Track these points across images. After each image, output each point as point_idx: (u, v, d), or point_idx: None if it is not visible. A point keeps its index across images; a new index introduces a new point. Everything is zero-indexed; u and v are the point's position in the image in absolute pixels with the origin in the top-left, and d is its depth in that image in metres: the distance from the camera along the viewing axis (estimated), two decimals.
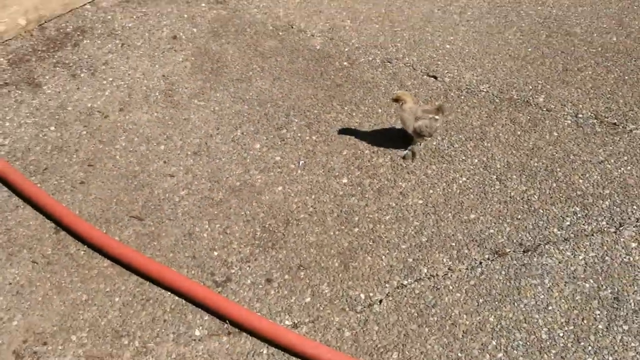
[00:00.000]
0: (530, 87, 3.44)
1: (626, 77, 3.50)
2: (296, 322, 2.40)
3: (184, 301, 2.46)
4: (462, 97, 3.37)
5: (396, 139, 3.07)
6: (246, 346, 2.31)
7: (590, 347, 2.31)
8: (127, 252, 2.55)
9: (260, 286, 2.51)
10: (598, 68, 3.57)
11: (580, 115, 3.26)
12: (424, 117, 2.84)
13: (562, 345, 2.32)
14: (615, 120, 3.24)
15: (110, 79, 3.47)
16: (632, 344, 2.32)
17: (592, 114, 3.27)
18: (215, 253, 2.63)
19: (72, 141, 3.10)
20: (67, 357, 2.27)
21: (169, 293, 2.48)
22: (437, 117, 2.87)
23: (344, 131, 3.15)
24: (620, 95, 3.38)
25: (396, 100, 2.86)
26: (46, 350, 2.27)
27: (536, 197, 2.86)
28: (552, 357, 2.29)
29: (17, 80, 3.45)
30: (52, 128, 3.18)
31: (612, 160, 3.03)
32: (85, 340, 2.33)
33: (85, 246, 2.63)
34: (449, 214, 2.78)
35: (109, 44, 3.71)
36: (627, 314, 2.42)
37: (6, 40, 3.70)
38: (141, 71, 3.52)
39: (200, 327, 2.37)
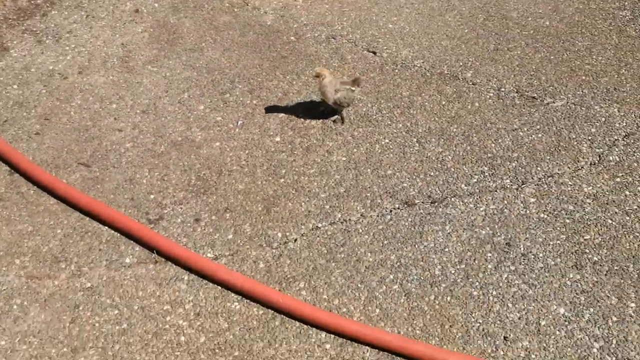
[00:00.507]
0: (461, 64, 3.80)
1: (552, 57, 3.86)
2: (217, 254, 2.74)
3: (118, 235, 2.81)
4: (397, 71, 3.73)
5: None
6: (170, 272, 2.67)
7: (477, 283, 2.66)
8: (71, 191, 2.90)
9: (189, 224, 2.86)
10: (527, 48, 3.93)
11: (502, 89, 3.62)
12: (342, 89, 3.19)
13: (452, 280, 2.67)
14: (535, 95, 3.60)
15: (73, 46, 3.83)
16: (516, 282, 2.67)
17: (514, 89, 3.62)
18: (152, 196, 2.98)
19: (31, 98, 3.45)
20: (9, 277, 2.62)
21: (106, 227, 2.83)
22: (353, 88, 3.22)
23: (283, 97, 3.51)
24: (543, 73, 3.74)
25: (317, 76, 3.20)
26: None
27: (450, 157, 3.21)
28: (442, 290, 2.63)
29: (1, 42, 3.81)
30: (15, 86, 3.53)
31: (525, 129, 3.38)
32: (27, 263, 2.68)
33: (35, 187, 2.98)
34: (368, 170, 3.14)
35: (75, 14, 4.08)
36: (515, 257, 2.77)
37: None
38: (102, 39, 3.88)
39: (131, 256, 2.72)
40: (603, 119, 3.43)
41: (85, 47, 3.80)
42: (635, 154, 3.24)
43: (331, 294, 2.59)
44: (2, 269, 2.62)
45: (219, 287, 2.61)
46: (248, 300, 2.56)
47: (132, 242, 2.76)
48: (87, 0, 4.20)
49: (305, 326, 2.49)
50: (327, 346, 2.43)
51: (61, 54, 3.74)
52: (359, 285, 2.63)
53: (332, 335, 2.46)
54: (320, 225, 2.86)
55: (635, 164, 3.18)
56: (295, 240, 2.80)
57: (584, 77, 3.71)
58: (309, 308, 2.47)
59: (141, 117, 3.35)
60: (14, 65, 3.64)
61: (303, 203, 2.95)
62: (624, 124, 3.40)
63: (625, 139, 3.32)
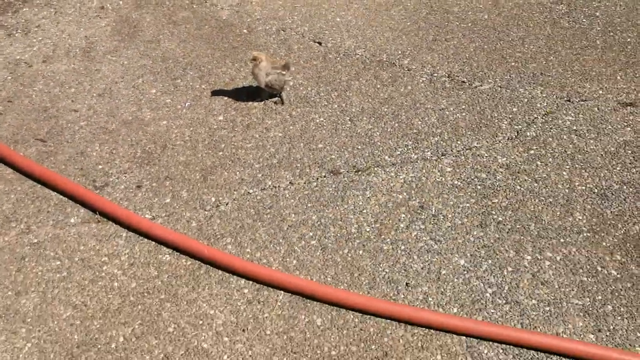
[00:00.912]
0: (400, 53, 4.17)
1: (485, 46, 4.23)
2: (154, 215, 3.10)
3: (66, 199, 3.17)
4: (339, 59, 4.11)
5: None
6: (110, 230, 3.02)
7: (388, 239, 3.00)
8: (28, 163, 3.27)
9: (131, 190, 3.22)
10: (463, 39, 4.30)
11: (435, 75, 3.98)
12: (273, 72, 3.56)
13: (365, 237, 3.01)
14: (465, 79, 3.96)
15: (40, 38, 4.23)
16: (424, 238, 3.00)
17: (446, 74, 3.99)
18: (100, 167, 3.34)
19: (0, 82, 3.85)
20: None
21: (55, 193, 3.19)
22: (283, 72, 3.58)
23: (230, 82, 3.88)
24: (475, 60, 4.10)
25: (254, 59, 3.57)
26: None
27: (378, 133, 3.57)
28: (355, 245, 2.97)
29: None
30: None
31: (452, 108, 3.74)
32: None
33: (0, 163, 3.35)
34: (301, 144, 3.49)
35: (44, 11, 4.49)
36: (426, 217, 3.10)
37: None
38: (67, 33, 4.28)
39: (76, 217, 3.08)
40: (525, 100, 3.77)
41: (51, 39, 4.19)
42: (552, 130, 3.58)
43: (254, 248, 2.93)
44: None
45: (153, 243, 2.95)
46: (178, 253, 2.90)
47: (77, 205, 3.11)
48: None
49: (226, 274, 2.82)
50: (245, 290, 2.77)
51: (28, 45, 4.14)
52: (281, 240, 2.97)
53: (250, 282, 2.79)
54: (251, 191, 3.21)
55: (550, 139, 3.52)
56: (227, 203, 3.14)
57: (513, 64, 4.06)
58: (229, 257, 2.81)
59: (97, 100, 3.72)
60: None
61: (238, 172, 3.31)
62: (545, 104, 3.74)
63: (544, 117, 3.66)
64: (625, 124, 3.60)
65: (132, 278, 2.79)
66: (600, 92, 3.82)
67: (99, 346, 2.54)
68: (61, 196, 3.16)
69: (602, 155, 3.41)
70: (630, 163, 3.36)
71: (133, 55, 4.06)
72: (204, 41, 4.19)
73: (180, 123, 3.57)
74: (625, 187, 3.23)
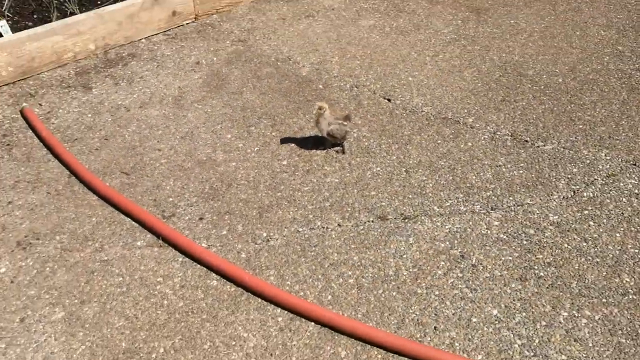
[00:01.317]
0: (465, 111, 4.36)
1: (555, 109, 4.32)
2: (210, 244, 3.44)
3: (137, 225, 3.60)
4: (404, 115, 4.36)
5: None
6: (169, 255, 3.39)
7: (424, 284, 3.14)
8: (111, 192, 3.76)
9: (194, 222, 3.60)
10: (533, 101, 4.42)
11: (498, 133, 4.13)
12: (335, 122, 3.87)
13: (401, 280, 3.17)
14: (528, 139, 4.07)
15: (140, 87, 4.85)
16: (459, 286, 3.12)
17: (509, 133, 4.12)
18: (170, 199, 3.77)
19: (99, 124, 4.45)
20: (49, 248, 3.47)
21: (128, 219, 3.64)
22: (345, 123, 3.88)
23: (298, 132, 4.23)
24: (541, 121, 4.20)
25: (319, 109, 3.90)
26: (38, 243, 3.49)
27: (431, 185, 3.75)
28: (390, 287, 3.14)
29: (76, 85, 4.93)
30: (89, 115, 4.56)
31: (509, 165, 3.85)
32: (64, 240, 3.53)
33: (85, 187, 3.88)
34: (355, 190, 3.75)
35: (148, 65, 5.14)
36: (465, 266, 3.22)
37: (78, 59, 5.24)
38: (164, 84, 4.87)
39: (142, 240, 3.49)
40: (588, 161, 3.81)
41: (149, 88, 4.79)
42: (611, 192, 3.58)
43: (294, 281, 3.18)
44: (45, 242, 3.48)
45: (205, 269, 3.28)
46: (224, 280, 3.20)
47: (145, 230, 3.52)
48: (161, 54, 5.26)
49: (264, 302, 3.08)
50: (279, 319, 3.00)
51: (130, 93, 4.75)
52: (320, 276, 3.20)
53: (285, 312, 3.02)
54: (300, 229, 3.48)
55: (608, 201, 3.53)
56: (277, 239, 3.43)
57: (580, 126, 4.12)
58: (270, 287, 3.07)
59: (179, 141, 4.20)
60: (92, 100, 4.69)
61: (291, 212, 3.60)
62: (608, 167, 3.76)
63: (605, 179, 3.68)
64: None
65: (180, 298, 3.11)
66: None
67: (141, 355, 2.85)
68: (133, 222, 3.57)
69: None
70: None
71: (217, 105, 4.54)
72: (282, 94, 4.60)
73: (247, 165, 3.94)
74: None
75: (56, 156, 4.09)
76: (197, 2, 5.74)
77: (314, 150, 4.03)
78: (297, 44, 5.27)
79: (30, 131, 4.37)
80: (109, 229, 3.54)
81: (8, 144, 4.24)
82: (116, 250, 3.39)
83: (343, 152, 3.97)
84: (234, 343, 2.88)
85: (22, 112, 4.52)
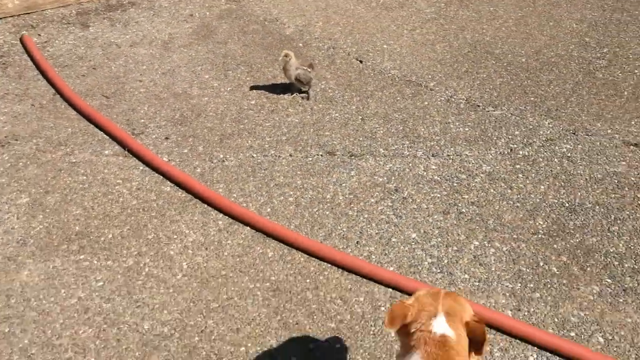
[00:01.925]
0: (429, 77, 4.69)
1: (512, 82, 4.64)
2: (170, 159, 3.79)
3: (107, 137, 3.95)
4: (372, 75, 4.70)
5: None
6: (131, 163, 3.74)
7: (355, 208, 3.46)
8: (88, 109, 4.12)
9: (159, 140, 3.95)
10: (494, 74, 4.74)
11: (454, 97, 4.45)
12: (301, 68, 4.21)
13: (336, 203, 3.49)
14: (480, 104, 4.38)
15: (134, 30, 5.22)
16: (387, 212, 3.44)
17: (465, 98, 4.44)
18: (142, 120, 4.12)
19: (90, 56, 4.82)
20: (25, 148, 3.82)
21: (101, 132, 3.99)
22: (309, 70, 4.22)
23: (271, 79, 4.57)
24: (497, 91, 4.52)
25: (285, 55, 4.24)
26: (16, 143, 3.85)
27: (382, 132, 4.08)
28: (324, 207, 3.46)
29: (75, 22, 5.31)
30: (82, 48, 4.94)
31: (457, 124, 4.17)
32: (40, 143, 3.88)
33: (66, 103, 4.24)
34: (311, 130, 4.08)
35: (145, 13, 5.52)
36: (396, 198, 3.54)
37: (81, 1, 5.62)
38: (157, 29, 5.24)
39: (109, 150, 3.84)
40: (531, 127, 4.12)
41: (142, 32, 5.16)
42: (545, 153, 3.89)
43: (239, 195, 3.51)
44: (23, 143, 3.84)
45: (161, 177, 3.62)
46: (177, 187, 3.54)
47: (115, 143, 3.87)
48: (159, 5, 5.63)
49: (209, 208, 3.41)
50: (220, 222, 3.33)
51: (123, 33, 5.12)
52: (264, 193, 3.53)
53: (226, 217, 3.36)
54: (254, 155, 3.82)
55: (541, 159, 3.84)
56: (232, 161, 3.77)
57: (532, 99, 4.43)
58: (216, 196, 3.40)
59: (160, 76, 4.56)
60: (87, 36, 5.06)
61: (249, 141, 3.94)
62: (548, 132, 4.07)
63: (543, 142, 3.99)
64: (622, 159, 3.83)
65: (135, 197, 3.45)
66: (609, 131, 4.07)
67: (91, 237, 3.20)
68: (105, 135, 3.93)
69: (586, 179, 3.67)
70: (611, 190, 3.59)
71: (201, 50, 4.90)
72: (263, 48, 4.95)
73: (218, 101, 4.29)
74: (597, 207, 3.47)
75: (45, 77, 4.45)
76: None
77: (282, 95, 4.37)
78: (287, 9, 5.62)
79: (26, 55, 4.74)
80: (82, 138, 3.89)
81: (4, 63, 4.61)
82: (85, 155, 3.74)
83: (308, 98, 4.30)
84: (175, 237, 3.21)
85: (21, 39, 4.90)
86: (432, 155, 3.81)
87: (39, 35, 5.00)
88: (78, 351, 2.63)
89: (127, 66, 4.64)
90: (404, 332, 1.92)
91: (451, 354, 1.84)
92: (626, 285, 3.00)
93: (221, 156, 3.77)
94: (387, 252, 3.15)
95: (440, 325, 1.89)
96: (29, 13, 5.35)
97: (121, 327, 2.74)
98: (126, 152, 3.76)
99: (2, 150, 3.74)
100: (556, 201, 3.50)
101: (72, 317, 2.78)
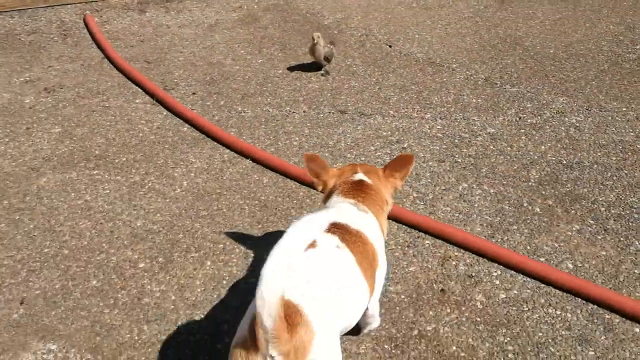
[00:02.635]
0: (453, 60, 4.90)
1: (535, 67, 4.77)
2: (192, 108, 4.15)
3: (140, 90, 4.38)
4: (398, 56, 4.96)
5: None
6: (156, 110, 4.13)
7: (354, 152, 3.68)
8: (128, 68, 4.59)
9: (187, 94, 4.33)
10: (518, 61, 4.89)
11: (474, 76, 4.63)
12: (327, 47, 4.53)
13: (337, 149, 3.73)
14: (498, 82, 4.54)
15: (185, 16, 5.74)
16: (383, 157, 3.64)
17: (484, 77, 4.61)
18: (175, 80, 4.53)
19: (141, 32, 5.34)
20: (67, 94, 4.30)
21: (136, 87, 4.42)
22: (332, 46, 4.52)
23: (302, 57, 4.90)
24: (517, 73, 4.66)
25: (317, 37, 4.56)
26: (61, 91, 4.34)
27: (395, 99, 4.30)
28: (326, 150, 3.71)
29: (134, 9, 5.89)
30: (135, 26, 5.48)
31: (472, 95, 4.34)
32: (81, 92, 4.35)
33: (111, 64, 4.73)
34: (328, 94, 4.35)
35: (199, 4, 6.04)
36: (395, 148, 3.74)
37: None
38: (206, 16, 5.74)
39: (140, 100, 4.26)
40: (544, 102, 4.24)
41: (192, 17, 5.67)
42: (553, 122, 3.99)
43: (248, 137, 3.81)
44: (66, 91, 4.32)
45: (181, 121, 3.98)
46: (192, 128, 3.89)
47: (146, 95, 4.29)
48: None
49: (219, 145, 3.73)
50: (225, 156, 3.63)
51: (174, 18, 5.64)
52: (271, 137, 3.81)
53: (233, 153, 3.65)
54: (270, 110, 4.13)
55: (547, 127, 3.94)
56: (248, 112, 4.09)
57: (552, 80, 4.54)
58: (223, 133, 3.72)
59: (199, 50, 5.00)
60: (142, 19, 5.61)
61: (268, 100, 4.26)
62: (560, 106, 4.17)
63: (553, 113, 4.09)
64: (631, 130, 3.87)
65: (153, 134, 3.81)
66: (624, 109, 4.12)
67: (107, 159, 3.57)
68: (139, 88, 4.35)
69: (590, 144, 3.74)
70: (614, 153, 3.64)
71: (242, 32, 5.32)
72: (299, 33, 5.32)
73: (247, 69, 4.65)
74: (595, 165, 3.53)
75: (97, 44, 4.98)
76: None
77: (308, 70, 4.68)
78: (330, 5, 6.00)
79: (86, 30, 5.31)
80: (118, 90, 4.33)
81: (64, 34, 5.19)
82: (118, 102, 4.17)
83: (327, 73, 4.59)
84: (182, 163, 3.53)
85: (83, 18, 5.49)
86: (440, 118, 3.98)
87: (100, 16, 5.58)
88: (74, 236, 2.95)
89: (172, 41, 5.10)
90: (329, 190, 2.16)
91: (364, 187, 2.05)
92: (608, 227, 3.03)
93: (239, 109, 4.09)
94: None
95: (359, 176, 2.11)
96: (95, 1, 5.97)
97: (116, 222, 3.04)
98: (154, 102, 4.14)
99: (46, 95, 4.22)
100: (554, 159, 3.58)
101: (76, 212, 3.11)
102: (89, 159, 3.53)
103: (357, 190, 2.14)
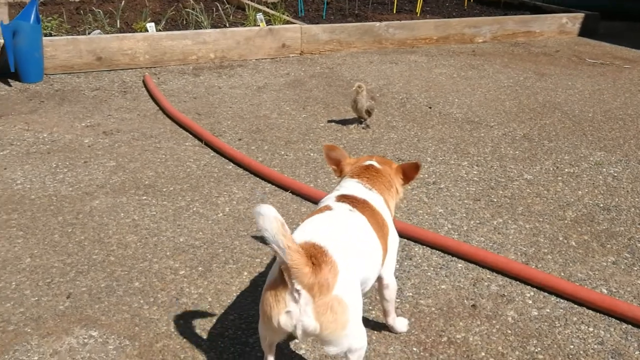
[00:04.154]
0: (492, 120, 5.11)
1: (573, 127, 4.94)
2: (237, 148, 4.44)
3: (191, 136, 4.70)
4: (438, 116, 5.20)
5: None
6: (205, 151, 4.43)
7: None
8: (180, 116, 4.96)
9: (233, 140, 4.62)
10: (557, 122, 5.08)
11: (511, 132, 4.82)
12: (370, 101, 4.82)
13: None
14: (536, 139, 4.72)
15: (236, 80, 6.16)
16: (420, 196, 3.80)
17: (522, 134, 4.80)
18: (223, 129, 4.84)
19: (194, 91, 5.75)
20: (123, 137, 4.66)
21: (186, 132, 4.76)
22: (373, 101, 4.81)
23: (344, 114, 5.19)
24: (556, 131, 4.83)
25: (358, 87, 4.87)
26: (118, 134, 4.71)
27: (433, 149, 4.50)
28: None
29: (189, 73, 6.37)
30: (190, 87, 5.91)
31: (508, 148, 4.51)
32: (136, 135, 4.70)
33: (165, 115, 5.11)
34: (368, 143, 4.59)
35: (250, 71, 6.49)
36: (432, 188, 3.90)
37: (199, 62, 6.75)
38: (255, 80, 6.15)
39: (189, 143, 4.57)
40: (581, 155, 4.37)
41: (242, 81, 6.08)
42: (590, 172, 4.10)
43: (290, 174, 4.03)
44: (122, 134, 4.67)
45: (227, 160, 4.25)
46: (238, 166, 4.14)
47: (196, 139, 4.61)
48: (262, 67, 6.60)
49: (260, 179, 3.96)
50: (266, 188, 3.85)
51: (226, 81, 6.07)
52: (311, 176, 4.03)
53: (273, 185, 3.87)
54: (312, 154, 4.36)
55: (585, 176, 4.05)
56: (290, 156, 4.34)
57: (590, 138, 4.69)
58: (265, 168, 3.96)
59: (247, 106, 5.35)
60: (196, 81, 6.06)
61: (311, 146, 4.50)
62: (598, 159, 4.29)
63: (591, 165, 4.21)
64: None
65: (201, 170, 4.07)
66: None
67: (156, 188, 3.82)
68: (189, 134, 4.68)
69: (627, 190, 3.82)
70: None
71: (289, 93, 5.68)
72: (343, 95, 5.64)
73: (292, 122, 4.95)
74: (633, 209, 3.61)
75: (153, 99, 5.39)
76: (304, 41, 7.12)
77: (350, 124, 4.95)
78: (373, 75, 6.36)
79: (144, 88, 5.75)
80: (170, 135, 4.66)
81: (124, 91, 5.64)
82: (169, 144, 4.48)
83: (367, 127, 4.84)
84: (225, 193, 3.75)
85: (143, 78, 5.97)
86: (476, 166, 4.14)
87: (158, 78, 6.05)
88: (120, 246, 3.15)
89: (223, 99, 5.48)
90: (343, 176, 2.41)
91: (372, 170, 2.25)
92: None
93: (282, 152, 4.34)
94: (411, 219, 3.46)
95: (369, 162, 2.33)
96: (155, 67, 6.48)
97: (160, 237, 3.24)
98: (203, 144, 4.44)
99: (104, 136, 4.57)
100: (591, 202, 3.67)
101: (124, 228, 3.32)
102: (139, 187, 3.78)
103: (365, 172, 2.34)
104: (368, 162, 2.42)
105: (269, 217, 1.67)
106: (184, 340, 2.46)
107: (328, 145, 2.45)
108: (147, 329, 2.53)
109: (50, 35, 6.41)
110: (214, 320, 2.59)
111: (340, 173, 2.46)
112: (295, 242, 1.74)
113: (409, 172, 2.42)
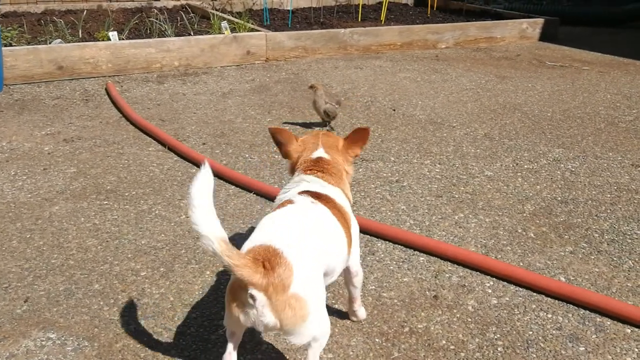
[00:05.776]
0: (454, 121, 5.18)
1: (532, 126, 5.03)
2: (206, 157, 4.43)
3: (154, 141, 4.68)
4: (401, 118, 5.25)
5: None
6: (169, 156, 4.40)
7: (355, 189, 3.89)
8: (143, 122, 4.92)
9: (197, 144, 4.61)
10: (517, 122, 5.17)
11: (473, 132, 4.89)
12: (329, 104, 4.85)
13: None
14: (496, 138, 4.79)
15: (201, 87, 6.15)
16: (383, 194, 3.83)
17: (483, 133, 4.87)
18: (187, 134, 4.83)
19: (158, 98, 5.73)
20: (84, 144, 4.61)
21: (150, 138, 4.73)
22: (337, 106, 4.84)
23: (309, 117, 5.22)
24: (516, 130, 4.92)
25: (311, 87, 4.90)
26: (79, 141, 4.66)
27: (397, 149, 4.53)
28: None
29: (153, 81, 6.34)
30: (153, 94, 5.88)
31: (470, 147, 4.57)
32: (98, 142, 4.66)
33: (127, 121, 5.07)
34: None
35: (214, 77, 6.49)
36: (395, 186, 3.93)
37: (164, 70, 6.72)
38: (220, 86, 6.15)
39: (153, 148, 4.54)
40: (541, 152, 4.45)
41: (207, 87, 6.08)
42: (549, 167, 4.18)
43: (253, 176, 4.04)
44: (84, 141, 4.63)
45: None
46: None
47: (159, 144, 4.58)
48: (227, 74, 6.61)
49: (223, 182, 3.95)
50: (230, 190, 3.85)
51: (191, 88, 6.06)
52: (276, 178, 4.03)
53: (238, 188, 3.87)
54: (276, 156, 4.37)
55: (544, 172, 4.13)
56: (255, 159, 4.34)
57: (549, 136, 4.78)
58: (226, 169, 3.95)
59: (212, 111, 5.35)
60: (160, 88, 6.03)
61: (275, 148, 4.51)
62: (557, 156, 4.37)
63: (549, 161, 4.29)
64: (626, 174, 4.05)
65: (164, 174, 4.05)
66: (619, 158, 4.32)
67: (117, 192, 3.78)
68: (153, 140, 4.65)
69: (585, 184, 3.90)
70: (608, 192, 3.80)
71: (254, 98, 5.69)
72: (308, 100, 5.66)
73: (257, 126, 4.96)
74: (590, 201, 3.68)
75: (115, 105, 5.35)
76: (269, 48, 7.15)
77: (316, 127, 4.98)
78: (338, 79, 6.41)
79: (106, 96, 5.71)
80: (133, 141, 4.63)
81: (86, 99, 5.59)
82: (132, 150, 4.45)
83: (332, 129, 4.87)
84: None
85: (105, 86, 5.92)
86: (439, 164, 4.19)
87: (121, 86, 6.01)
88: (80, 250, 3.11)
89: (187, 105, 5.47)
90: (292, 164, 2.41)
91: (322, 163, 2.28)
92: (602, 249, 3.14)
93: (247, 155, 4.34)
94: (374, 216, 3.48)
95: (318, 153, 2.34)
96: (118, 75, 6.44)
97: (122, 240, 3.21)
98: (166, 149, 4.42)
99: (65, 144, 4.52)
100: (549, 196, 3.74)
101: (84, 233, 3.29)
102: (100, 192, 3.75)
103: (317, 166, 2.35)
104: (317, 155, 2.42)
105: (213, 241, 1.69)
106: (145, 339, 2.44)
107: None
108: (107, 329, 2.50)
109: (10, 45, 6.33)
110: (176, 318, 2.57)
111: (288, 157, 2.47)
112: (240, 258, 1.78)
113: (359, 139, 2.45)
